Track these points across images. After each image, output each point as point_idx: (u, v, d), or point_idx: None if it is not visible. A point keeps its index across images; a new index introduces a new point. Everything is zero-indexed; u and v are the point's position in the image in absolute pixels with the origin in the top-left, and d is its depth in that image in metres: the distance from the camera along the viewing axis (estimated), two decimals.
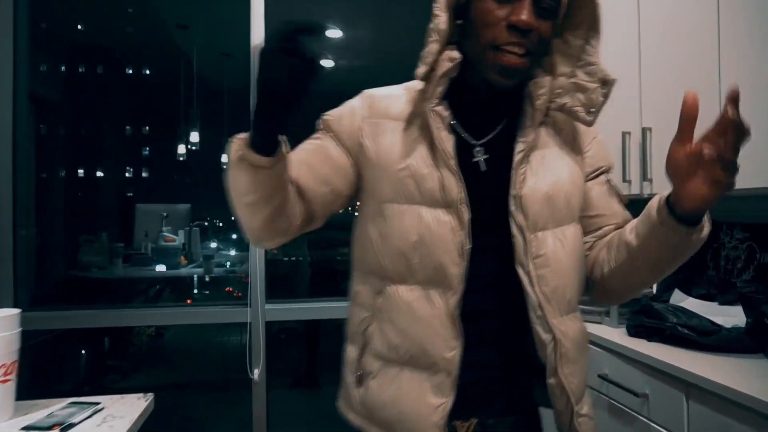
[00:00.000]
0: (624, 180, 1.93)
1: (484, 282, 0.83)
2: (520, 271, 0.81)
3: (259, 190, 0.76)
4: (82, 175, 4.54)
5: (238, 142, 0.74)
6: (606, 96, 0.86)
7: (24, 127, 2.21)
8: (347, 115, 0.90)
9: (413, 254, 0.81)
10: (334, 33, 4.49)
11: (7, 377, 0.97)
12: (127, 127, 5.15)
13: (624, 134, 1.93)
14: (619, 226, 0.91)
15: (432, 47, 0.81)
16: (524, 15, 0.75)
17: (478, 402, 0.85)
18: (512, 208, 0.82)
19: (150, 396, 1.09)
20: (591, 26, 0.87)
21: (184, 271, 3.58)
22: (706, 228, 0.79)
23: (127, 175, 5.06)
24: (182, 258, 3.64)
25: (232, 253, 4.25)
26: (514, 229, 0.82)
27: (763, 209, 1.73)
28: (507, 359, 0.86)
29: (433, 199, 0.81)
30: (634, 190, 1.90)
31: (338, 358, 0.94)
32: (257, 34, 2.19)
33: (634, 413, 1.48)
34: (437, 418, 0.80)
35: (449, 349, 0.80)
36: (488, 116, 0.87)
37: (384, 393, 0.84)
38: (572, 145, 0.91)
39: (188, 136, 3.98)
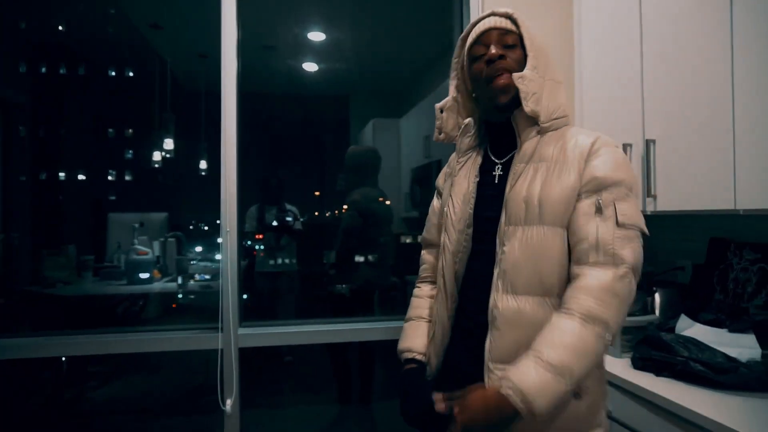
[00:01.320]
0: None
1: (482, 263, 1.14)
2: (497, 249, 1.11)
3: None
4: (46, 180, 4.30)
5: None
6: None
7: None
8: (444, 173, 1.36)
9: None
10: (316, 36, 4.33)
11: None
12: (107, 131, 4.91)
13: (625, 146, 1.80)
14: (585, 250, 1.05)
15: (447, 119, 1.27)
16: (492, 50, 1.14)
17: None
18: (503, 207, 1.13)
19: None
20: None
21: (157, 285, 3.37)
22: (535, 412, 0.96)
23: (100, 182, 4.83)
24: (156, 272, 3.44)
25: (207, 263, 4.04)
26: (502, 219, 1.12)
27: None
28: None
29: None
30: None
31: None
32: (228, 36, 2.02)
33: None
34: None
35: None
36: (510, 142, 1.18)
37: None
38: (574, 162, 1.09)
39: (162, 142, 3.77)
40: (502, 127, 1.19)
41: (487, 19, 1.17)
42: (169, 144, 3.72)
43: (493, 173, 1.18)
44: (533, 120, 1.13)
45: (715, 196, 1.46)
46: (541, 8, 2.17)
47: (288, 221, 3.88)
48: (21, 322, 3.26)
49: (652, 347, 1.44)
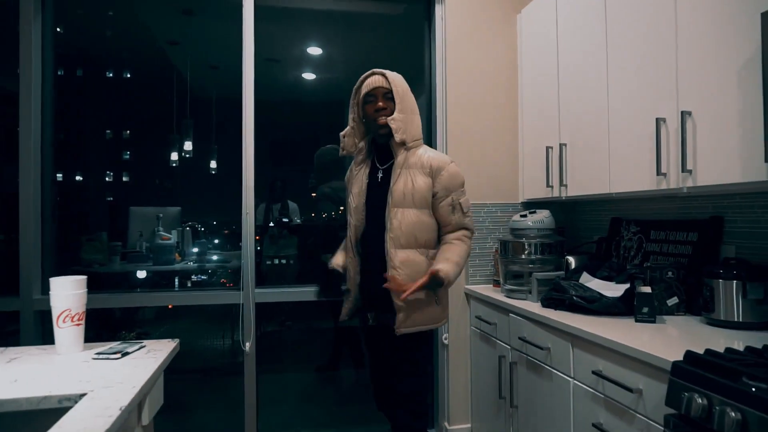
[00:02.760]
0: (548, 185, 2.40)
1: (376, 231, 1.90)
2: (387, 224, 1.85)
3: None
4: (78, 180, 4.89)
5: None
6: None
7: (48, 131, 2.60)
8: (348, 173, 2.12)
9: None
10: (315, 50, 4.92)
11: (80, 322, 1.38)
12: (120, 132, 5.51)
13: (548, 149, 2.40)
14: (450, 231, 1.94)
15: (348, 141, 1.99)
16: (379, 103, 1.90)
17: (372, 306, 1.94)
18: (389, 196, 1.87)
19: (177, 340, 1.50)
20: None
21: (178, 266, 3.96)
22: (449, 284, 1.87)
23: (121, 180, 5.43)
24: (176, 255, 4.02)
25: (215, 257, 4.64)
26: (389, 203, 1.86)
27: (650, 208, 2.21)
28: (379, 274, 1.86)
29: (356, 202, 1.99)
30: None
31: None
32: (248, 48, 2.62)
33: (542, 364, 1.93)
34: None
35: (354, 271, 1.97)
36: (388, 155, 1.95)
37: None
38: (426, 171, 1.90)
39: (182, 144, 4.37)
40: (383, 146, 1.96)
41: (374, 78, 1.93)
42: (188, 146, 4.30)
43: (377, 175, 1.96)
44: (402, 143, 1.90)
45: (599, 183, 2.05)
46: (491, 40, 2.77)
47: (284, 221, 4.47)
48: None
49: (554, 291, 2.03)
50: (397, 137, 1.87)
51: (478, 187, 2.72)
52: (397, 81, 1.93)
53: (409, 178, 1.87)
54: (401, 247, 1.85)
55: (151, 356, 1.34)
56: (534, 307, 2.09)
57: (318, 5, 3.27)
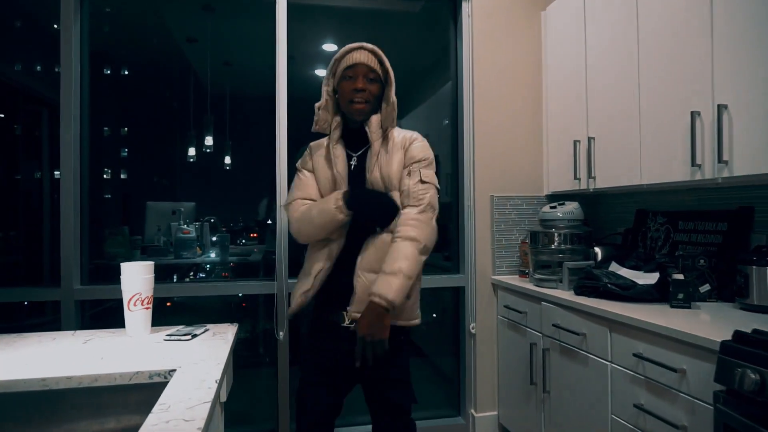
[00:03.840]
0: (575, 178, 2.47)
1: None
2: None
3: (333, 229, 1.68)
4: (98, 175, 4.94)
5: (343, 208, 1.63)
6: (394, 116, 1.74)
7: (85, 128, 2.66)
8: (306, 159, 1.85)
9: None
10: (330, 47, 4.98)
11: (149, 305, 1.43)
12: (134, 129, 5.56)
13: (575, 142, 2.46)
14: (405, 198, 1.69)
15: (322, 116, 1.73)
16: (359, 84, 1.65)
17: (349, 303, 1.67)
18: (367, 183, 1.70)
19: (236, 324, 1.56)
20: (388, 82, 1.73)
21: (199, 259, 4.02)
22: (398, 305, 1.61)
23: (137, 176, 5.49)
24: (197, 248, 4.08)
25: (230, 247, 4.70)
26: None
27: (678, 200, 2.28)
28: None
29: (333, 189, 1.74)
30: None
31: None
32: (281, 46, 2.68)
33: (577, 349, 1.99)
34: (299, 300, 1.74)
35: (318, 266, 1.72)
36: (361, 141, 1.72)
37: (295, 285, 1.82)
38: (400, 151, 1.70)
39: (201, 139, 4.43)
40: (355, 129, 1.73)
41: (359, 52, 1.67)
42: (209, 141, 4.37)
43: (351, 162, 1.74)
44: (379, 127, 1.70)
45: (629, 175, 2.12)
46: (516, 37, 2.83)
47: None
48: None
49: (587, 279, 2.10)
50: (383, 126, 1.70)
51: (504, 180, 2.78)
52: (388, 64, 1.70)
53: (384, 162, 1.69)
54: (373, 233, 1.68)
55: (219, 338, 1.40)
56: (566, 294, 2.15)
57: (340, 2, 3.32)
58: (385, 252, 1.64)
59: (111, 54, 4.88)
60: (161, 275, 4.26)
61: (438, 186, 1.73)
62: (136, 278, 1.41)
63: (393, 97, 1.70)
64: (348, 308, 1.65)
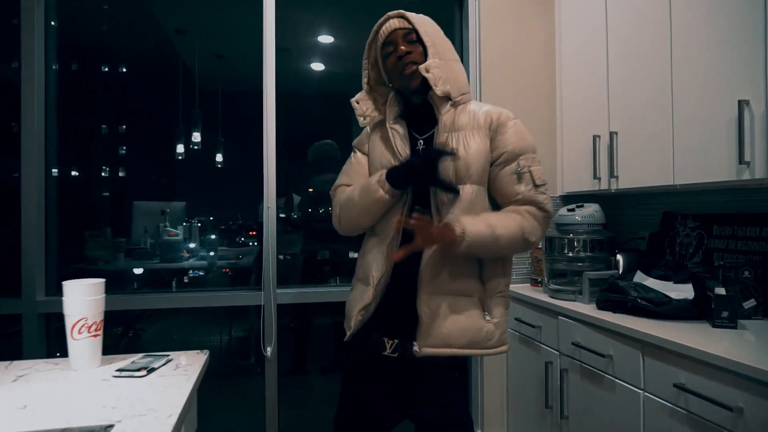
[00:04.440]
0: (595, 177, 2.22)
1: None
2: (434, 210, 1.35)
3: (378, 211, 1.38)
4: (71, 174, 4.70)
5: (384, 183, 1.33)
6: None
7: (52, 127, 2.41)
8: (362, 138, 1.57)
9: None
10: (326, 39, 4.72)
11: (97, 332, 1.19)
12: (121, 125, 5.32)
13: (595, 137, 2.21)
14: (515, 203, 1.38)
15: (364, 106, 1.49)
16: (401, 48, 1.39)
17: (399, 327, 1.35)
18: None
19: (207, 352, 1.32)
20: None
21: (186, 263, 3.77)
22: (458, 250, 1.27)
23: (122, 175, 5.24)
24: (184, 251, 3.84)
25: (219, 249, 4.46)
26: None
27: (710, 201, 2.03)
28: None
29: None
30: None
31: None
32: (269, 36, 2.44)
33: (601, 373, 1.75)
34: (360, 317, 1.38)
35: (377, 270, 1.37)
36: (428, 122, 1.42)
37: (348, 297, 1.49)
38: (484, 129, 1.39)
39: (189, 135, 4.18)
40: (420, 108, 1.43)
41: (389, 22, 1.43)
42: (197, 137, 4.12)
43: (417, 148, 1.41)
44: (446, 98, 1.38)
45: (659, 174, 1.87)
46: (527, 24, 2.58)
47: (281, 216, 4.29)
48: None
49: (611, 292, 1.85)
50: (438, 89, 1.35)
51: None
52: (421, 21, 1.43)
53: (461, 144, 1.36)
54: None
55: (181, 373, 1.15)
56: (586, 309, 1.91)
57: None
58: (458, 263, 1.34)
59: (93, 46, 4.62)
60: (146, 281, 4.03)
61: (546, 183, 1.42)
62: (81, 300, 1.17)
63: (449, 55, 1.42)
64: (414, 343, 1.32)
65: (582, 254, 2.10)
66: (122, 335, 3.93)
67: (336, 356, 3.63)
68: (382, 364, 1.37)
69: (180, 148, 4.56)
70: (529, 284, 2.51)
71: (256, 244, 4.32)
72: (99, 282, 1.19)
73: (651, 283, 1.93)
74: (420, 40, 1.40)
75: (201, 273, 3.90)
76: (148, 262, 3.76)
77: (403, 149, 1.39)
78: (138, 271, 3.72)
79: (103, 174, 4.91)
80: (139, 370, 1.14)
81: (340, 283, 3.40)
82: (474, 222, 1.27)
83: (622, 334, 1.65)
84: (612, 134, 2.11)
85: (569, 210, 2.18)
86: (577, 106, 2.40)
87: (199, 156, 5.20)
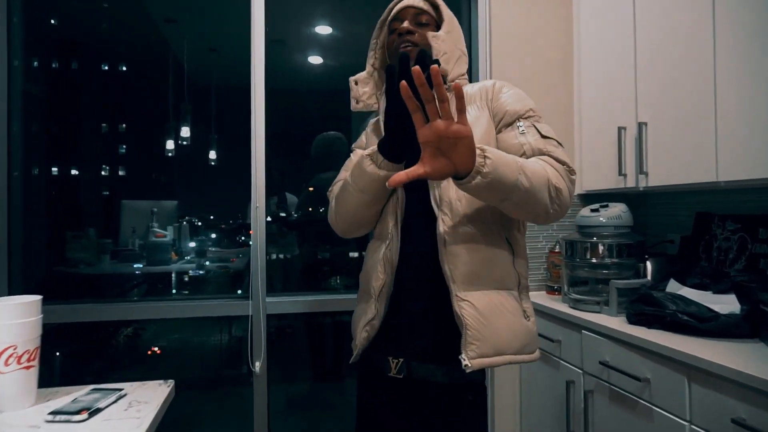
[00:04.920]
0: (620, 173, 1.99)
1: (423, 220, 1.18)
2: (433, 200, 1.16)
3: (376, 191, 1.13)
4: (66, 172, 4.47)
5: (376, 156, 1.09)
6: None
7: (16, 123, 2.19)
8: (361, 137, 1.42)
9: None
10: (324, 30, 4.49)
11: (31, 363, 0.96)
12: (122, 125, 5.09)
13: (620, 129, 1.98)
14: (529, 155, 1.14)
15: (362, 90, 1.32)
16: (405, 25, 1.24)
17: (405, 343, 1.18)
18: None
19: (171, 382, 1.09)
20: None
21: (174, 266, 3.55)
22: (478, 179, 0.93)
23: (113, 173, 5.01)
24: (172, 254, 3.61)
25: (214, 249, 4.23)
26: None
27: (754, 201, 1.80)
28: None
29: None
30: (630, 183, 1.94)
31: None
32: (258, 27, 2.20)
33: (635, 398, 1.52)
34: (365, 333, 1.21)
35: (377, 279, 1.19)
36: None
37: (354, 313, 1.33)
38: (482, 100, 1.24)
39: (178, 131, 3.95)
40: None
41: (406, 1, 1.28)
42: (185, 132, 3.89)
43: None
44: (444, 76, 1.20)
45: (699, 170, 1.64)
46: (542, 6, 2.35)
47: (281, 216, 4.05)
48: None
49: (644, 304, 1.62)
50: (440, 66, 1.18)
51: None
52: (441, 3, 1.30)
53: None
54: (459, 217, 1.14)
55: (133, 414, 0.92)
56: (615, 322, 1.68)
57: None
58: (491, 240, 1.14)
59: (77, 36, 4.38)
60: (130, 286, 3.80)
61: (561, 143, 1.19)
62: (8, 324, 0.94)
63: (460, 41, 1.29)
64: (462, 356, 1.07)
65: (607, 260, 1.87)
66: (116, 334, 3.75)
67: (333, 363, 3.42)
68: (389, 386, 1.21)
69: (170, 144, 4.33)
70: (544, 292, 2.28)
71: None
72: (32, 300, 0.96)
73: (686, 292, 1.71)
74: (433, 24, 1.28)
75: (187, 277, 3.67)
76: (134, 264, 3.54)
77: None
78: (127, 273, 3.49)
79: (90, 172, 4.68)
80: (79, 411, 0.91)
81: (341, 285, 3.18)
82: (501, 159, 0.97)
83: (662, 355, 1.42)
84: (641, 125, 1.87)
85: (593, 210, 1.95)
86: (599, 94, 2.17)
87: (191, 153, 4.98)
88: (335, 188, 1.32)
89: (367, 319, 1.21)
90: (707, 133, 1.60)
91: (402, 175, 0.91)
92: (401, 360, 1.17)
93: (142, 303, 2.06)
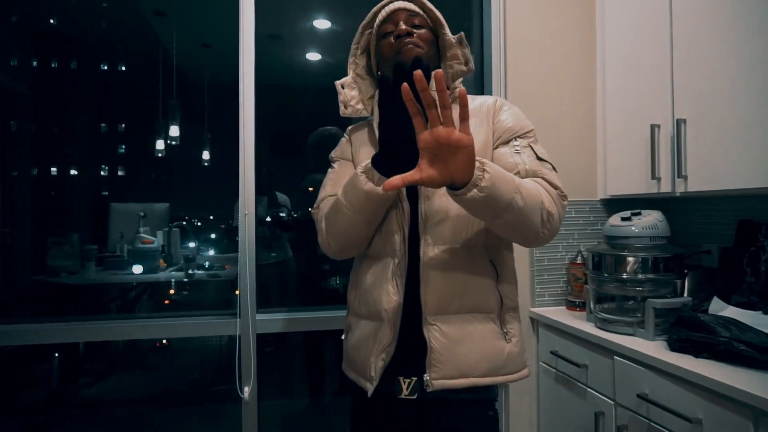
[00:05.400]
0: (653, 177, 1.77)
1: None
2: (420, 213, 1.13)
3: (373, 210, 1.08)
4: (53, 173, 4.25)
5: (371, 172, 1.04)
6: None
7: None
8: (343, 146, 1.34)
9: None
10: (322, 24, 4.27)
11: None
12: (103, 124, 4.85)
13: (653, 127, 1.76)
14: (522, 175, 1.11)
15: (349, 95, 1.26)
16: (400, 27, 1.18)
17: (417, 362, 1.10)
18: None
19: None
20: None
21: (162, 275, 3.32)
22: (474, 192, 0.91)
23: (102, 173, 4.77)
24: (161, 261, 3.39)
25: (211, 253, 4.00)
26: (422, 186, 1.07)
27: None
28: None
29: None
30: (665, 188, 1.74)
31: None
32: (247, 23, 1.99)
33: None
34: (381, 362, 1.12)
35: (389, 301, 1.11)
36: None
37: (351, 340, 1.22)
38: (483, 117, 1.20)
39: (167, 130, 3.72)
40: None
41: (391, 4, 1.23)
42: (174, 131, 3.66)
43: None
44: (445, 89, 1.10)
45: (749, 174, 1.43)
46: None
47: (281, 215, 3.82)
48: (25, 313, 3.22)
49: (690, 329, 1.41)
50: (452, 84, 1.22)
51: None
52: (429, 4, 1.24)
53: None
54: (441, 242, 1.11)
55: None
56: (652, 348, 1.47)
57: None
58: (470, 265, 1.12)
59: (59, 30, 4.15)
60: (113, 296, 3.57)
61: (555, 168, 1.17)
62: None
63: (452, 39, 1.22)
64: (426, 376, 1.09)
65: (641, 276, 1.65)
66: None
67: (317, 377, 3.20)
68: (400, 410, 1.15)
69: (160, 144, 4.10)
70: (564, 307, 2.07)
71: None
72: None
73: (732, 312, 1.50)
74: (427, 26, 1.23)
75: (172, 289, 3.44)
76: (118, 272, 3.31)
77: None
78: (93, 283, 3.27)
79: (77, 173, 4.43)
80: None
81: (340, 285, 2.96)
82: (498, 173, 0.95)
83: (718, 393, 1.20)
84: (678, 122, 1.66)
85: (624, 219, 1.73)
86: (626, 88, 1.95)
87: (184, 152, 4.76)
88: (323, 207, 1.23)
89: (382, 346, 1.13)
90: (756, 130, 1.39)
91: (398, 179, 0.89)
92: (414, 379, 1.12)
93: (113, 322, 1.83)
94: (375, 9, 1.25)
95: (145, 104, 4.74)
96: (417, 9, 1.23)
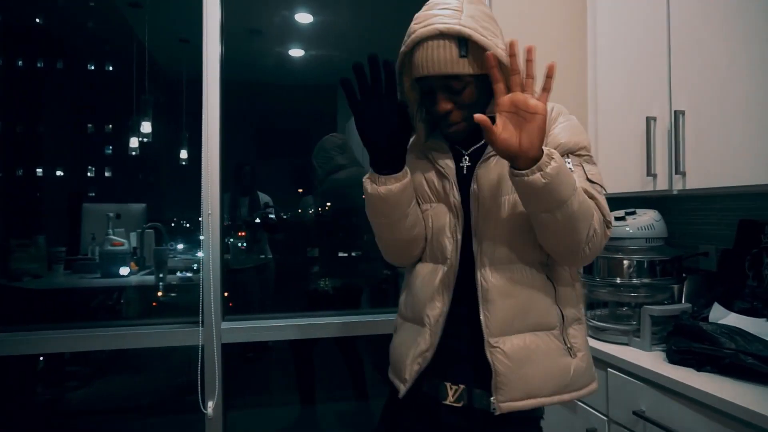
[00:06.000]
0: (649, 173, 1.65)
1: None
2: (474, 233, 1.09)
3: (388, 213, 1.09)
4: (18, 174, 4.06)
5: (374, 176, 1.06)
6: None
7: None
8: None
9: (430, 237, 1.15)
10: (304, 18, 4.12)
11: None
12: (75, 123, 4.65)
13: (649, 120, 1.64)
14: None
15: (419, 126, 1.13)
16: (439, 106, 1.05)
17: (464, 369, 1.09)
18: (473, 186, 1.09)
19: None
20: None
21: (133, 279, 3.15)
22: (537, 175, 0.89)
23: (75, 173, 4.58)
24: (132, 264, 3.21)
25: (181, 257, 3.84)
26: (478, 203, 1.08)
27: None
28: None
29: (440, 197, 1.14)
30: (661, 185, 1.61)
31: None
32: (211, 18, 1.84)
33: None
34: (416, 366, 1.10)
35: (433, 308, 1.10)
36: (471, 134, 1.11)
37: (395, 341, 1.22)
38: None
39: (140, 127, 3.55)
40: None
41: (431, 51, 0.99)
42: (146, 127, 3.48)
43: (461, 165, 1.13)
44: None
45: (752, 170, 1.31)
46: None
47: (268, 217, 3.67)
48: None
49: (691, 338, 1.28)
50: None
51: None
52: (486, 41, 0.99)
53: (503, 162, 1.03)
54: (499, 263, 1.06)
55: None
56: (649, 360, 1.35)
57: None
58: (529, 282, 1.07)
59: (29, 21, 3.95)
60: (79, 303, 3.39)
61: (605, 189, 1.11)
62: None
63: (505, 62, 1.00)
64: (492, 398, 1.04)
65: (636, 280, 1.53)
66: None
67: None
68: (442, 418, 1.11)
69: (134, 142, 3.93)
70: None
71: (245, 244, 3.70)
72: None
73: (734, 320, 1.38)
74: (471, 77, 1.02)
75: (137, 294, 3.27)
76: (88, 276, 3.14)
77: (449, 166, 1.11)
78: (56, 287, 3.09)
79: (40, 172, 4.23)
80: None
81: (330, 287, 2.81)
82: (562, 165, 0.93)
83: (722, 411, 1.08)
84: (676, 114, 1.53)
85: (617, 219, 1.61)
86: (621, 78, 1.83)
87: (161, 151, 4.59)
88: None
89: (419, 350, 1.11)
90: (762, 123, 1.27)
91: (481, 116, 0.90)
92: (461, 386, 1.08)
93: (61, 332, 1.67)
94: (408, 41, 1.02)
95: (120, 101, 4.56)
96: (457, 66, 0.99)
